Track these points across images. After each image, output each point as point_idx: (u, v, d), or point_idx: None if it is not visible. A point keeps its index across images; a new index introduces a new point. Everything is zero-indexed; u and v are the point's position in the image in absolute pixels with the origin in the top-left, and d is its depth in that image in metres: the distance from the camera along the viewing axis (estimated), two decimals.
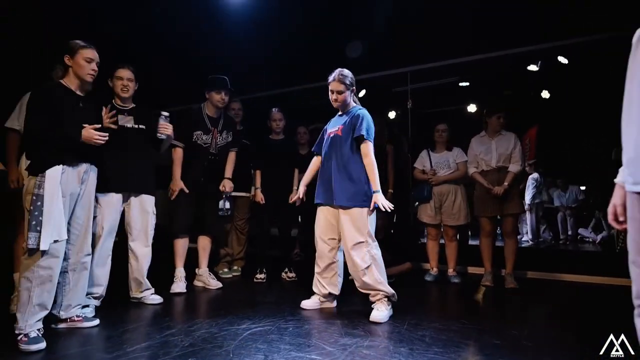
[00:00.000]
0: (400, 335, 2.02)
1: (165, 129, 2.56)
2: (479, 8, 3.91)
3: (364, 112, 2.44)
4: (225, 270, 3.66)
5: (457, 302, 3.03)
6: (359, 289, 2.40)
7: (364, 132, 2.34)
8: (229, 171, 3.23)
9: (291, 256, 3.98)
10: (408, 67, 4.77)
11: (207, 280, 3.19)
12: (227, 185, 3.18)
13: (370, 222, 2.37)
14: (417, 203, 3.75)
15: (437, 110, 6.44)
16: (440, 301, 2.91)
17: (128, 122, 2.58)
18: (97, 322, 2.18)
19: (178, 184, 2.96)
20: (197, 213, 3.07)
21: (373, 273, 2.33)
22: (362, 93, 5.15)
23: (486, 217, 3.39)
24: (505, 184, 3.26)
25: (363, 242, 2.33)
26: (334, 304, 2.60)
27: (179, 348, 1.81)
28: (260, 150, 3.54)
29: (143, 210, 2.60)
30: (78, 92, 2.13)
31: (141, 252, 2.62)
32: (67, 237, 1.98)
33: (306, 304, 2.56)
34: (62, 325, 2.11)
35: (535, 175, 6.72)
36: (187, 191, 2.95)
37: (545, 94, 6.67)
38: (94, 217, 2.35)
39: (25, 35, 3.79)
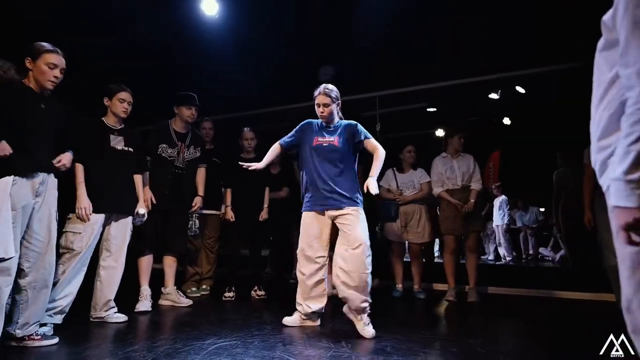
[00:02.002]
0: (363, 346, 2.08)
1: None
2: (446, 36, 4.20)
3: (353, 121, 2.60)
4: (194, 289, 3.62)
5: (420, 316, 3.12)
6: (346, 297, 2.32)
7: (365, 134, 2.55)
8: (201, 189, 3.29)
9: (261, 275, 3.97)
10: (377, 92, 5.01)
11: (176, 298, 3.15)
12: (198, 203, 3.22)
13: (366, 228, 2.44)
14: (379, 222, 3.90)
15: (405, 134, 6.71)
16: (404, 315, 3.00)
17: (118, 143, 2.65)
18: (56, 340, 2.10)
19: (147, 193, 2.97)
20: (161, 230, 3.06)
21: (369, 281, 2.34)
22: None
23: (452, 235, 3.54)
24: (472, 200, 3.45)
25: (368, 244, 2.36)
26: (317, 322, 2.56)
27: None
28: (231, 168, 3.59)
29: (124, 230, 2.65)
30: (39, 92, 2.03)
31: (119, 268, 2.64)
32: (17, 254, 1.86)
33: (288, 320, 2.54)
34: (16, 344, 2.01)
35: (504, 197, 7.07)
36: (154, 201, 2.95)
37: (506, 121, 7.10)
38: (78, 233, 2.38)
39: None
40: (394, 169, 3.89)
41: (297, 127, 2.67)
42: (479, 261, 3.59)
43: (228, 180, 3.58)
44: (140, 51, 4.22)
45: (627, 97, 0.82)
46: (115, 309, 2.62)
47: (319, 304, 2.52)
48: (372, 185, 2.33)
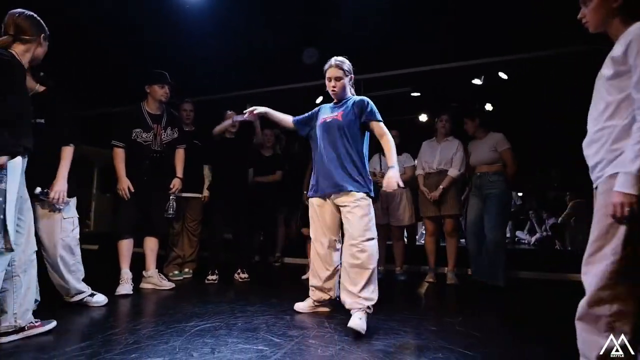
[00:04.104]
0: (345, 327, 2.11)
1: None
2: (431, 21, 4.19)
3: (365, 98, 2.32)
4: (176, 272, 3.59)
5: (401, 297, 3.20)
6: (347, 298, 2.15)
7: (374, 115, 2.27)
8: (179, 170, 3.20)
9: (245, 258, 3.94)
10: (361, 75, 4.96)
11: (158, 281, 3.12)
12: (177, 184, 3.15)
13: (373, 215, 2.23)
14: None
15: (390, 119, 6.70)
16: (385, 296, 3.03)
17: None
18: (54, 323, 2.01)
19: (124, 181, 2.89)
20: (141, 212, 2.99)
21: (375, 276, 2.17)
22: (318, 100, 5.30)
23: (428, 218, 3.61)
24: (441, 187, 3.50)
25: (374, 238, 2.16)
26: (329, 308, 2.46)
27: (122, 345, 1.78)
28: (214, 148, 3.55)
29: (50, 217, 2.31)
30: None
31: (52, 261, 2.35)
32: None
33: (300, 306, 2.45)
34: (18, 337, 1.86)
35: None
36: (132, 190, 2.88)
37: (488, 107, 7.18)
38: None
39: None
40: (380, 153, 3.92)
41: (314, 110, 2.50)
42: (458, 244, 3.67)
43: (211, 162, 3.55)
44: (118, 31, 4.06)
45: (637, 114, 1.21)
46: (88, 293, 2.49)
47: (333, 291, 2.40)
48: (392, 178, 2.09)
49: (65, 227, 2.35)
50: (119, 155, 2.94)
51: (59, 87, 2.37)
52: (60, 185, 2.26)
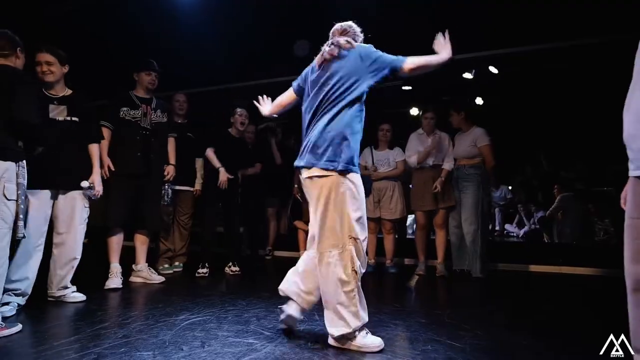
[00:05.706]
0: None
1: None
2: (421, 14, 4.17)
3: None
4: (166, 266, 3.57)
5: (391, 290, 3.23)
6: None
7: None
8: (172, 157, 3.22)
9: (236, 251, 3.95)
10: None
11: (148, 275, 3.10)
12: (170, 172, 3.16)
13: None
14: None
15: (380, 113, 6.70)
16: (376, 289, 3.09)
17: (59, 114, 2.42)
18: (19, 327, 1.88)
19: (105, 160, 2.86)
20: (133, 203, 2.94)
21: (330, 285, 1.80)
22: None
23: (421, 211, 3.64)
24: (442, 179, 3.53)
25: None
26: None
27: (112, 339, 1.77)
28: (218, 142, 3.53)
29: (70, 205, 2.46)
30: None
31: (69, 245, 2.46)
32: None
33: None
34: None
35: None
36: (113, 168, 2.85)
37: (479, 100, 7.22)
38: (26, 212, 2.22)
39: None
40: (371, 146, 3.92)
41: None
42: (447, 237, 3.71)
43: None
44: (111, 23, 3.98)
45: None
46: (73, 289, 2.49)
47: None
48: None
49: (84, 217, 2.54)
50: (105, 135, 2.91)
51: (82, 90, 2.58)
52: (98, 179, 2.59)
